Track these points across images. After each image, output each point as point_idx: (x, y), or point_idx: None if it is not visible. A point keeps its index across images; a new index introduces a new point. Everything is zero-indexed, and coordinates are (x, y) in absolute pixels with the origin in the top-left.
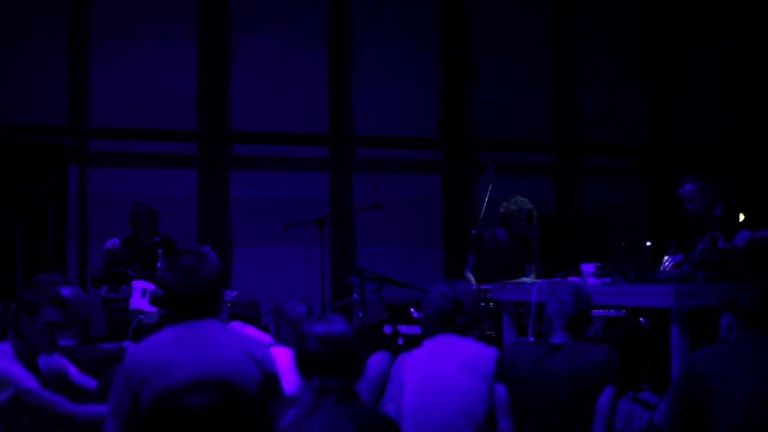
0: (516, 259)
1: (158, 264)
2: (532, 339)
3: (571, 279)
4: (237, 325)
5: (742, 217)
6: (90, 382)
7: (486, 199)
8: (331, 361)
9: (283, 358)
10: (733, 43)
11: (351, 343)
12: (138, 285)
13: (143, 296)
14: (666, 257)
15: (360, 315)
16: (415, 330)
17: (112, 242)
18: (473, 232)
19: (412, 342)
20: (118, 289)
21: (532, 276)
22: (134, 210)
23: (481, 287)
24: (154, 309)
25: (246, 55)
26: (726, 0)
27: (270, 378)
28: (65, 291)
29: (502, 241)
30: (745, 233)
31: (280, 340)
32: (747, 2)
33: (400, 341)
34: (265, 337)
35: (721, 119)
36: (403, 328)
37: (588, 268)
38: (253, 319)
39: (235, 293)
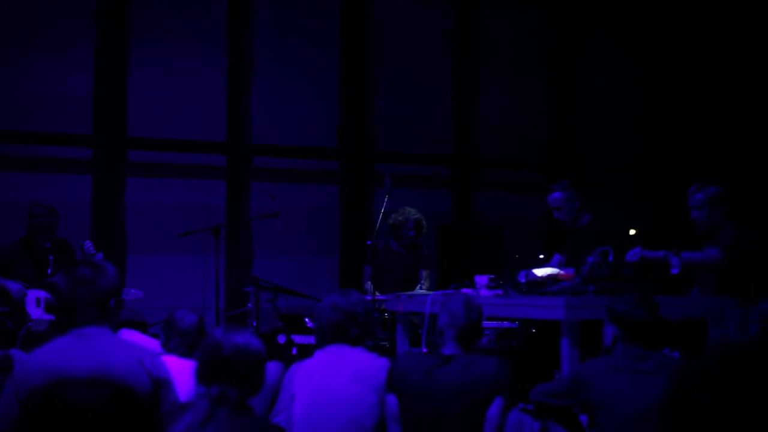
0: (409, 267)
1: (49, 270)
2: (425, 350)
3: (464, 291)
4: (125, 332)
5: (633, 231)
6: None
7: (382, 211)
8: (240, 372)
9: (171, 366)
10: (636, 53)
11: (263, 360)
12: (31, 294)
13: (38, 306)
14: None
15: (254, 324)
16: (310, 340)
17: None
18: (369, 243)
19: (306, 352)
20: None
21: (426, 282)
22: (34, 211)
23: (377, 297)
24: (50, 317)
25: (144, 61)
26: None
27: (159, 384)
28: None
29: (395, 250)
30: (637, 250)
31: (168, 349)
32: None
33: (294, 351)
34: (154, 345)
35: (620, 130)
36: (298, 338)
37: (481, 279)
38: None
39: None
